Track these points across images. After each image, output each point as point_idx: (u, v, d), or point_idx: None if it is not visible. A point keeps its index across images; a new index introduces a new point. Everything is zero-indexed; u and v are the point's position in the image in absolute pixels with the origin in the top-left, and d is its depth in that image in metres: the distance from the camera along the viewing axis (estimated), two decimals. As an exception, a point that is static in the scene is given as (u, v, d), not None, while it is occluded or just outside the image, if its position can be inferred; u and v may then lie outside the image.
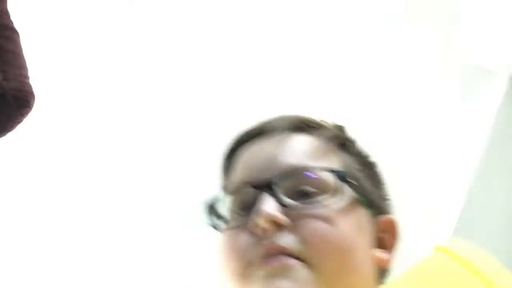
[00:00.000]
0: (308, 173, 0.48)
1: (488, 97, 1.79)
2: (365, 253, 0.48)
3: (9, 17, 1.22)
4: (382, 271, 0.50)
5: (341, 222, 0.46)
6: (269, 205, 0.45)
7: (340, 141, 0.53)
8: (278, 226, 0.45)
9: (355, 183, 0.49)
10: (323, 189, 0.48)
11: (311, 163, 0.49)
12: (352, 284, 0.46)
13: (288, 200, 0.46)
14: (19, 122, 1.24)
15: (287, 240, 0.44)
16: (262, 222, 0.44)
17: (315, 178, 0.48)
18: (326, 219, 0.46)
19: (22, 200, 1.64)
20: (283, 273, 0.43)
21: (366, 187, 0.51)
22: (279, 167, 0.48)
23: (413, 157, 1.75)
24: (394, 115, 1.78)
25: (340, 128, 0.55)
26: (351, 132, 0.55)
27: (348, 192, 0.48)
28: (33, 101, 1.21)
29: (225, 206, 0.50)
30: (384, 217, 0.52)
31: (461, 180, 1.74)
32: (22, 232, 1.63)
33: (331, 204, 0.47)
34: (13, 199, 1.62)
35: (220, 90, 1.74)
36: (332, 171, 0.48)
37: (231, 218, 0.50)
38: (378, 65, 1.79)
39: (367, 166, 0.55)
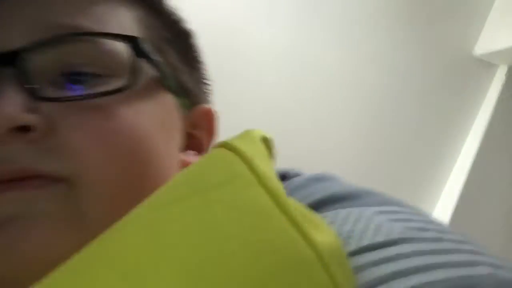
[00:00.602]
0: (83, 41, 0.30)
1: (487, 88, 1.80)
2: (170, 159, 0.34)
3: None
4: None
5: (131, 116, 0.30)
6: (12, 100, 0.27)
7: None
8: (25, 133, 0.27)
9: (159, 59, 0.34)
10: (106, 68, 0.31)
11: (88, 23, 0.31)
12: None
13: (45, 91, 0.29)
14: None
15: (43, 159, 0.27)
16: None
17: (94, 49, 0.30)
18: (104, 115, 0.29)
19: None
20: (31, 209, 0.26)
21: (175, 65, 0.36)
22: (35, 27, 0.29)
23: (410, 146, 1.76)
24: (394, 104, 1.79)
25: None
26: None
27: (146, 72, 0.33)
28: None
29: None
30: (198, 108, 0.38)
31: (459, 168, 1.75)
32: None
33: (116, 88, 0.30)
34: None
35: None
36: (125, 37, 0.31)
37: None
38: (377, 56, 1.79)
39: (179, 34, 0.39)
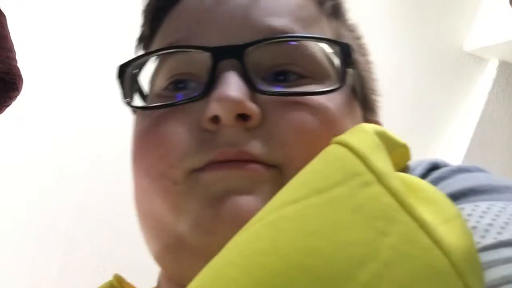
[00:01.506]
0: (295, 43, 0.32)
1: (478, 83, 1.80)
2: None
3: (-5, 0, 1.22)
4: None
5: (334, 115, 0.31)
6: (240, 88, 0.29)
7: (335, 3, 0.38)
8: (246, 120, 0.30)
9: (356, 68, 0.35)
10: (312, 69, 0.33)
11: (298, 28, 0.33)
12: None
13: (260, 84, 0.31)
14: (7, 106, 1.24)
15: (257, 145, 0.30)
16: (226, 115, 0.29)
17: (302, 51, 0.32)
18: (309, 111, 0.31)
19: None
20: (248, 184, 0.29)
21: (364, 76, 0.37)
22: (255, 28, 0.32)
23: (405, 141, 1.76)
24: (384, 99, 1.78)
25: None
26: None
27: (349, 80, 0.34)
28: (21, 84, 1.22)
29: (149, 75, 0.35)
30: (371, 121, 0.39)
31: (451, 160, 1.75)
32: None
33: (330, 89, 0.31)
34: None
35: None
36: (337, 43, 0.33)
37: (156, 95, 0.34)
38: (370, 51, 1.79)
39: (362, 48, 0.40)
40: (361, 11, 1.80)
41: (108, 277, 0.38)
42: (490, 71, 1.78)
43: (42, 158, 1.66)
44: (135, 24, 0.40)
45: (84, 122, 1.67)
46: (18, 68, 1.21)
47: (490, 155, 1.75)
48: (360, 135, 0.28)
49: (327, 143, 0.29)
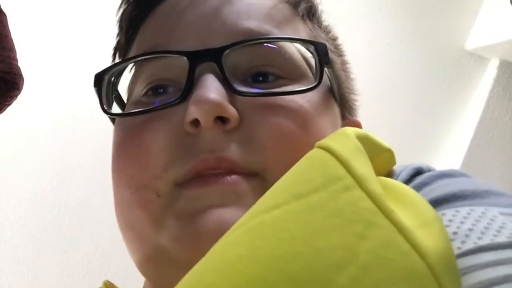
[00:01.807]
0: (272, 45, 0.32)
1: (479, 82, 1.80)
2: None
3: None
4: None
5: (311, 116, 0.32)
6: (218, 90, 0.29)
7: (309, 5, 0.38)
8: (224, 123, 0.30)
9: (333, 68, 0.35)
10: (289, 70, 0.33)
11: (275, 30, 0.33)
12: None
13: (237, 86, 0.31)
14: (8, 105, 1.24)
15: (236, 150, 0.30)
16: (204, 118, 0.29)
17: (279, 52, 0.33)
18: (285, 113, 0.31)
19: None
20: (229, 198, 0.29)
21: (340, 76, 0.38)
22: (232, 31, 0.32)
23: (401, 140, 1.76)
24: (386, 98, 1.79)
25: None
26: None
27: (326, 80, 0.34)
28: (22, 83, 1.21)
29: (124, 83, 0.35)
30: (349, 120, 0.39)
31: (451, 162, 1.75)
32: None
33: (305, 88, 0.32)
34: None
35: None
36: (312, 43, 0.33)
37: (134, 102, 0.33)
38: (367, 51, 1.79)
39: (339, 49, 0.41)
40: (361, 10, 1.80)
41: (108, 277, 0.38)
42: (491, 70, 1.78)
43: (42, 158, 1.66)
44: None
45: (84, 122, 1.66)
46: (19, 67, 1.21)
47: (491, 154, 1.75)
48: (342, 139, 0.28)
49: (305, 144, 0.29)
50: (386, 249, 0.22)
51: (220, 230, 0.26)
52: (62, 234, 1.64)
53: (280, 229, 0.24)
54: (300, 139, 0.30)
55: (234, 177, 0.29)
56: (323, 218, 0.23)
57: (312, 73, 0.34)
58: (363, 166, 0.26)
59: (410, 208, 0.25)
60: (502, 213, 0.25)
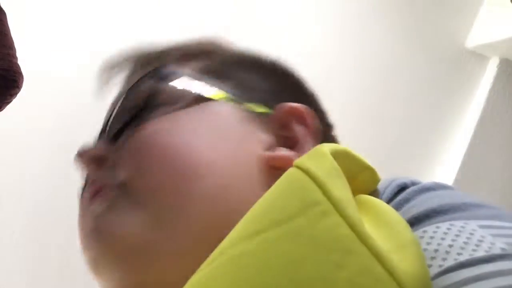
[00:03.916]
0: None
1: (479, 80, 1.80)
2: (231, 158, 0.35)
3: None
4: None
5: (163, 132, 0.36)
6: (95, 146, 0.39)
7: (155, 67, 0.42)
8: (101, 162, 0.37)
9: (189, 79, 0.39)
10: (135, 100, 0.39)
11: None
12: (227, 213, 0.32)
13: (110, 133, 0.39)
14: (8, 103, 1.23)
15: (109, 173, 0.36)
16: (81, 162, 0.38)
17: (132, 90, 0.39)
18: (141, 136, 0.36)
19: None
20: (104, 210, 0.35)
21: (232, 78, 0.40)
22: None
23: (401, 138, 1.76)
24: (386, 97, 1.79)
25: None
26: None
27: (190, 92, 0.38)
28: (22, 81, 1.21)
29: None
30: (280, 108, 0.38)
31: (451, 160, 1.75)
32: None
33: (160, 113, 0.36)
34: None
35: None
36: (150, 72, 0.39)
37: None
38: (369, 50, 1.78)
39: (241, 60, 0.43)
40: (361, 9, 1.79)
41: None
42: (491, 68, 1.78)
43: (41, 160, 1.65)
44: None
45: (86, 122, 1.66)
46: (18, 65, 1.21)
47: (491, 153, 1.75)
48: (319, 159, 0.29)
49: (157, 157, 0.34)
50: (363, 277, 0.23)
51: (112, 243, 0.34)
52: (63, 233, 1.64)
53: (259, 260, 0.24)
54: (151, 155, 0.36)
55: (107, 192, 0.36)
56: (302, 247, 0.24)
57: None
58: (340, 188, 0.26)
59: (388, 230, 0.26)
60: (481, 226, 0.25)
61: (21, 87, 1.22)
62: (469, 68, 1.81)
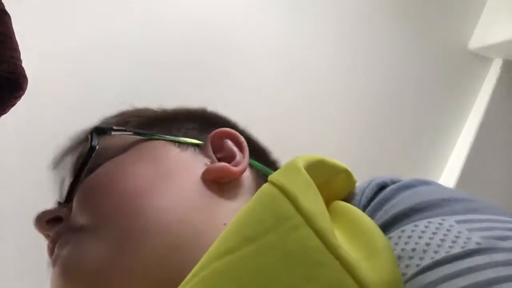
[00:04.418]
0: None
1: (482, 82, 1.80)
2: (169, 183, 0.40)
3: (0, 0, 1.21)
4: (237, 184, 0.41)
5: (103, 175, 0.42)
6: (50, 210, 0.47)
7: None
8: (57, 222, 0.46)
9: (120, 130, 0.46)
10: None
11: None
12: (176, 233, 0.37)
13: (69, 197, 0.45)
14: (12, 105, 1.23)
15: (67, 225, 0.43)
16: (40, 227, 0.47)
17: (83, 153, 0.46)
18: (92, 179, 0.42)
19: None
20: (69, 251, 0.41)
21: (146, 124, 0.48)
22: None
23: (405, 141, 1.77)
24: (389, 99, 1.79)
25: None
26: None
27: (107, 143, 0.45)
28: (26, 84, 1.21)
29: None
30: (209, 137, 0.46)
31: (453, 162, 1.76)
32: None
33: (103, 161, 0.44)
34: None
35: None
36: (91, 131, 0.46)
37: None
38: (371, 51, 1.78)
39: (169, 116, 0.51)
40: (363, 11, 1.79)
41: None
42: (494, 70, 1.78)
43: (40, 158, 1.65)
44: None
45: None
46: (23, 68, 1.20)
47: (493, 154, 1.76)
48: (292, 173, 0.29)
49: (99, 196, 0.40)
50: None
51: (68, 272, 0.40)
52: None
53: (231, 278, 0.25)
54: (95, 196, 0.43)
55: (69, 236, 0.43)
56: (273, 262, 0.24)
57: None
58: (312, 201, 0.27)
59: (361, 238, 0.26)
60: (458, 221, 0.26)
61: (25, 89, 1.21)
62: (472, 70, 1.81)
